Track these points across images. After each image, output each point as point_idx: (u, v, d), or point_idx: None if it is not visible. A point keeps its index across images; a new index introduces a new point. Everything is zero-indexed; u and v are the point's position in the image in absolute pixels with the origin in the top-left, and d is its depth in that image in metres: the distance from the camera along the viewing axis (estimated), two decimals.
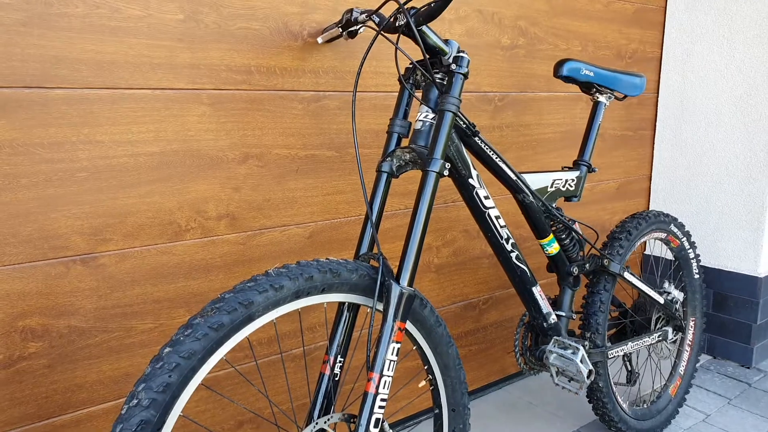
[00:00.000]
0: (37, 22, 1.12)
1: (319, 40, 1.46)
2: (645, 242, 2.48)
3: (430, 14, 1.14)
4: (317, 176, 1.54)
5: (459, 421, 1.28)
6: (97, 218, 1.24)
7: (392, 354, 1.08)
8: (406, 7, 1.14)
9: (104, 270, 1.27)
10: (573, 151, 2.17)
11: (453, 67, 1.19)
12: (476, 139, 1.34)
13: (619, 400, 1.75)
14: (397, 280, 1.10)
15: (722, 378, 2.24)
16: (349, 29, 1.34)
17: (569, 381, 1.55)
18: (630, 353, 1.77)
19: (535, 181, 1.50)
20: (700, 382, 2.20)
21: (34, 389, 1.22)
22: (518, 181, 1.43)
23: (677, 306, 1.86)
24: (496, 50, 1.85)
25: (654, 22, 2.37)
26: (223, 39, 1.33)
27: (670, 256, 2.48)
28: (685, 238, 1.89)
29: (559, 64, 1.55)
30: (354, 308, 1.17)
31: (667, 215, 1.82)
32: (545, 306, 1.53)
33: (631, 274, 1.71)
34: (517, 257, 1.43)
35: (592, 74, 1.59)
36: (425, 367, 1.25)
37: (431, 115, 1.22)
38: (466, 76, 1.20)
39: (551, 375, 1.57)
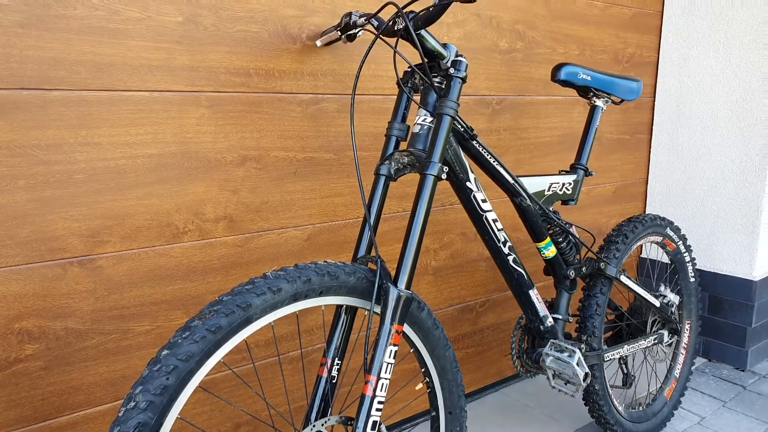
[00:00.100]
0: (35, 24, 1.12)
1: (318, 43, 1.46)
2: (641, 245, 2.49)
3: (429, 18, 1.15)
4: (315, 179, 1.54)
5: (456, 424, 1.28)
6: (94, 220, 1.24)
7: (389, 357, 1.08)
8: (405, 11, 1.15)
9: (101, 272, 1.26)
10: (570, 155, 2.17)
11: (451, 71, 1.20)
12: (474, 142, 1.34)
13: (615, 402, 1.76)
14: (395, 282, 1.11)
15: (717, 381, 2.25)
16: (348, 32, 1.35)
17: (566, 384, 1.55)
18: (626, 356, 1.77)
19: (533, 185, 1.51)
20: (695, 385, 2.21)
21: (30, 391, 1.22)
22: (515, 184, 1.44)
23: (673, 309, 1.87)
24: (494, 54, 1.86)
25: (651, 26, 2.38)
26: (221, 41, 1.34)
27: (666, 259, 2.49)
28: (681, 242, 1.90)
29: (557, 68, 1.55)
30: (352, 311, 1.17)
31: (663, 219, 1.83)
32: (542, 309, 1.53)
33: (628, 277, 1.71)
34: (514, 260, 1.44)
35: (589, 78, 1.60)
36: (422, 370, 1.25)
37: (429, 119, 1.22)
38: (464, 80, 1.20)
39: (548, 378, 1.58)
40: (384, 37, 1.22)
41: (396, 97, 1.42)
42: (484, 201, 1.35)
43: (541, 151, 2.07)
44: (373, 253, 1.32)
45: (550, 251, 1.56)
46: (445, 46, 1.20)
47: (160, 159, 1.30)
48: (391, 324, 1.09)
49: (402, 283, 1.11)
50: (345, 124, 1.56)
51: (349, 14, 1.31)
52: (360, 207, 1.64)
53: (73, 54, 1.16)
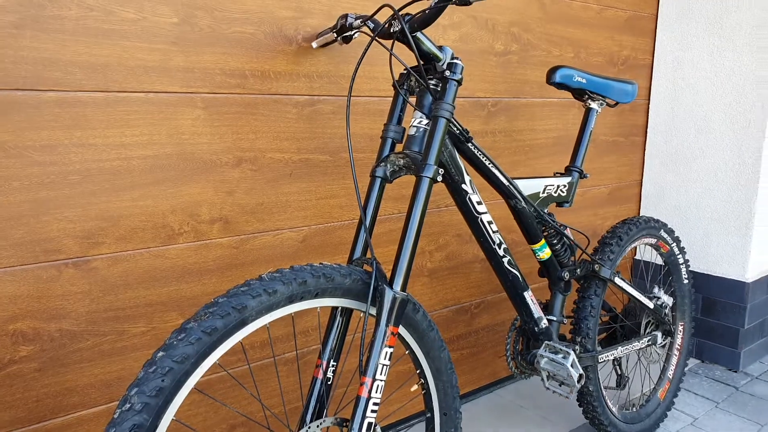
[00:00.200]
0: (30, 24, 1.12)
1: (314, 44, 1.46)
2: (635, 247, 2.49)
3: (425, 21, 1.15)
4: (311, 180, 1.54)
5: (451, 425, 1.29)
6: (89, 221, 1.24)
7: (385, 358, 1.08)
8: (401, 13, 1.15)
9: (96, 273, 1.26)
10: (565, 157, 2.18)
11: (447, 73, 1.20)
12: (469, 144, 1.35)
13: (609, 403, 1.77)
14: (390, 284, 1.11)
15: (710, 382, 2.26)
16: (344, 34, 1.35)
17: (560, 385, 1.56)
18: (620, 357, 1.78)
19: (528, 187, 1.51)
20: (688, 386, 2.22)
21: (25, 393, 1.22)
22: (510, 186, 1.44)
23: (666, 311, 1.88)
24: (489, 56, 1.86)
25: (646, 29, 2.39)
26: (217, 43, 1.33)
27: (659, 261, 2.50)
28: (674, 244, 1.91)
29: (552, 70, 1.56)
30: (347, 313, 1.17)
31: (657, 221, 1.84)
32: (536, 310, 1.54)
33: (622, 279, 1.72)
34: (509, 262, 1.44)
35: (584, 81, 1.60)
36: (417, 371, 1.25)
37: (425, 121, 1.22)
38: (459, 82, 1.21)
39: (542, 379, 1.58)
40: (380, 39, 1.22)
41: (392, 99, 1.42)
42: (479, 203, 1.36)
43: (536, 153, 2.08)
44: (368, 255, 1.32)
45: (545, 253, 1.56)
46: (440, 48, 1.21)
47: (156, 160, 1.30)
48: (387, 326, 1.09)
49: (397, 285, 1.11)
50: (341, 126, 1.56)
51: (345, 16, 1.32)
52: (355, 208, 1.64)
53: (68, 55, 1.16)
